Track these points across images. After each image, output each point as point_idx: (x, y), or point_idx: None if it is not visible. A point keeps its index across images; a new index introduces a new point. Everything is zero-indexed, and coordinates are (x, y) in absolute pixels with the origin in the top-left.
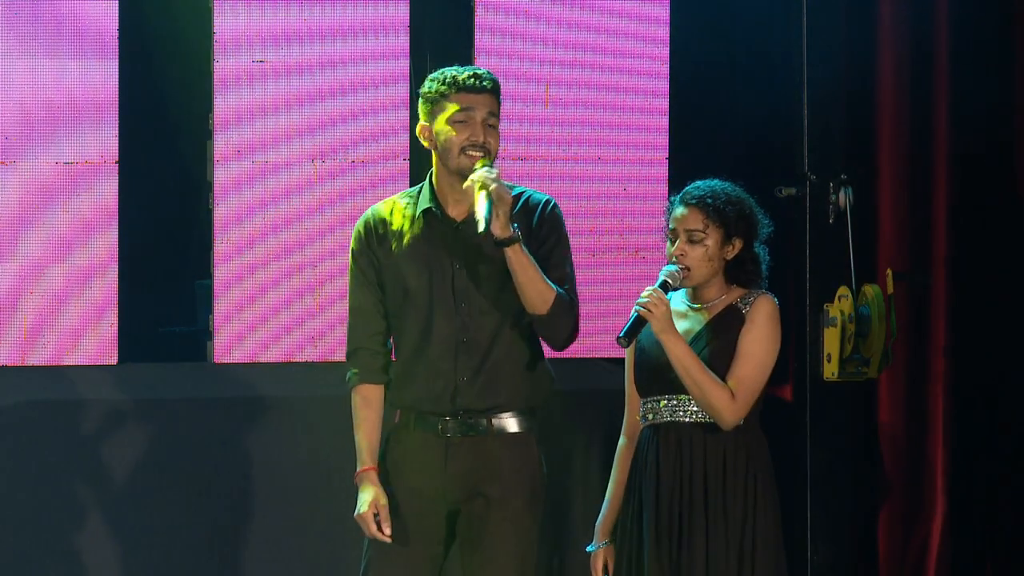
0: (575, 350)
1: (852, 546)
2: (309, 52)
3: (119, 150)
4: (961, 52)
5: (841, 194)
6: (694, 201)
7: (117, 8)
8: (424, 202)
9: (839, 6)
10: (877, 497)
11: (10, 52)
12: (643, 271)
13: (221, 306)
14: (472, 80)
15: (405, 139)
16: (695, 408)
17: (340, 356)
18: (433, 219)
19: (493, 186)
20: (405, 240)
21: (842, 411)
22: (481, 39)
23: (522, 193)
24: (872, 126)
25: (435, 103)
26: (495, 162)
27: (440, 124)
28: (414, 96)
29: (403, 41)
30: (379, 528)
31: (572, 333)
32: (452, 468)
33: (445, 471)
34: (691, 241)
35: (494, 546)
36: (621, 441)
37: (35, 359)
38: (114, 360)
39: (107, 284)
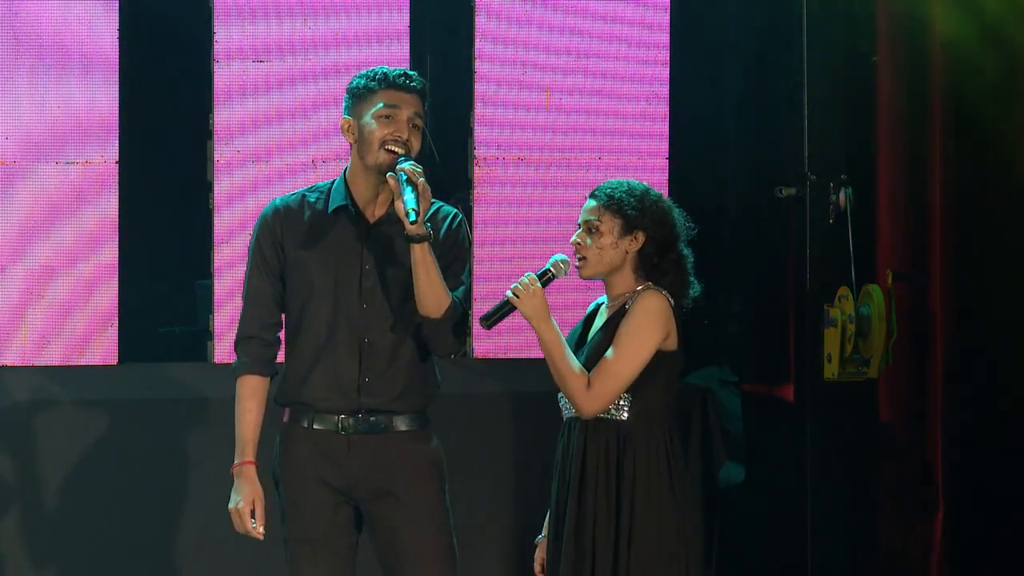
0: None
1: (852, 546)
2: (310, 58)
3: (119, 151)
4: (961, 50)
5: (841, 194)
6: (596, 192)
7: (118, 13)
8: (337, 199)
9: (839, 7)
10: (877, 497)
11: (13, 59)
12: None
13: (222, 308)
14: (402, 79)
15: None
16: None
17: None
18: (346, 217)
19: (421, 180)
20: (315, 236)
21: (842, 411)
22: (481, 45)
23: (432, 203)
24: (872, 126)
25: (362, 97)
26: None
27: (365, 118)
28: None
29: (403, 48)
30: (255, 526)
31: (459, 342)
32: (355, 466)
33: (350, 468)
34: (588, 231)
35: (419, 542)
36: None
37: (38, 360)
38: (114, 360)
39: (109, 285)
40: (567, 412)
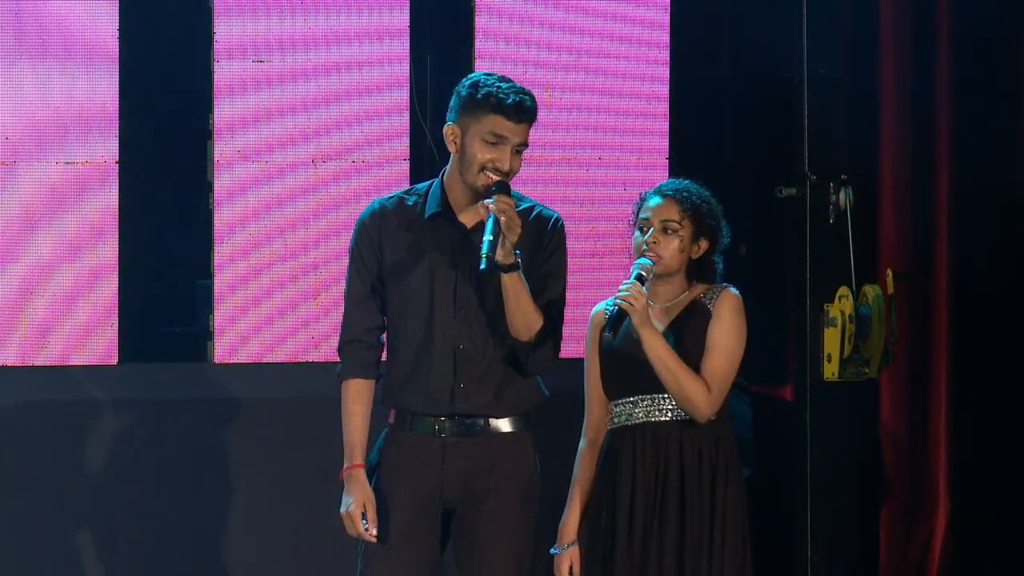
0: (574, 351)
1: (852, 546)
2: (310, 56)
3: (120, 151)
4: (962, 51)
5: (841, 194)
6: (671, 192)
7: (117, 11)
8: (433, 205)
9: (839, 6)
10: (877, 497)
11: (12, 55)
12: None
13: (222, 307)
14: (516, 110)
15: (406, 142)
16: (671, 405)
17: None
18: (442, 223)
19: (504, 217)
20: (412, 240)
21: (842, 411)
22: (481, 44)
23: (532, 207)
24: (872, 126)
25: (471, 112)
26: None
27: (469, 135)
28: (414, 100)
29: (404, 45)
30: (366, 528)
31: (550, 362)
32: (449, 468)
33: (443, 470)
34: (665, 231)
35: (491, 545)
36: (582, 444)
37: (36, 359)
38: (114, 360)
39: (108, 285)
40: (640, 417)
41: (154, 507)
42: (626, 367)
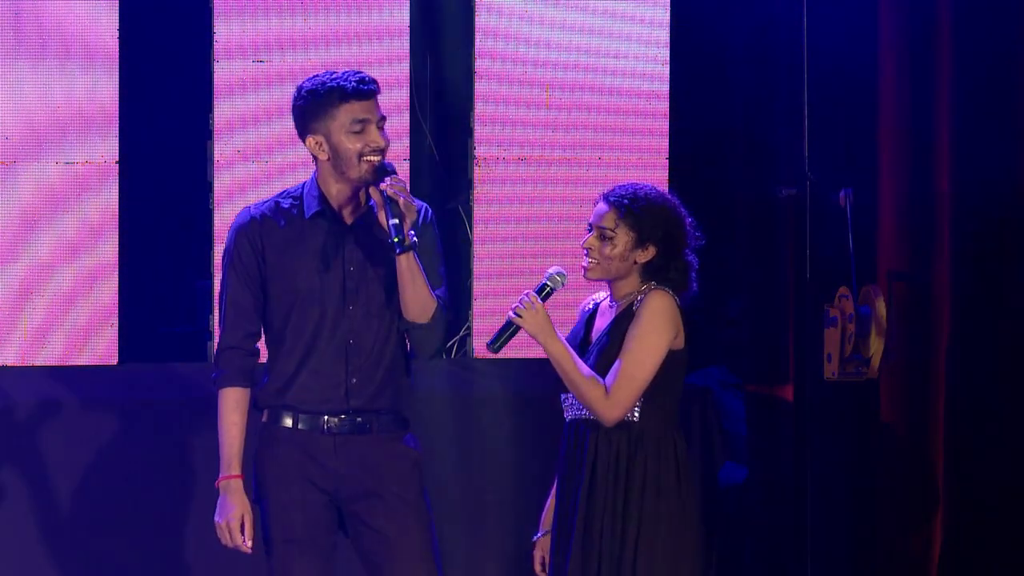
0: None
1: (852, 546)
2: (310, 56)
3: (120, 151)
4: (963, 51)
5: (841, 194)
6: (613, 199)
7: (118, 11)
8: (313, 204)
9: (839, 6)
10: (877, 497)
11: (12, 55)
12: None
13: None
14: (359, 87)
15: (406, 142)
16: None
17: None
18: (324, 221)
19: (402, 198)
20: (295, 242)
21: (842, 411)
22: (481, 43)
23: None
24: (872, 126)
25: (323, 114)
26: (388, 162)
27: (334, 135)
28: (414, 100)
29: (403, 45)
30: (243, 539)
31: (442, 343)
32: (341, 466)
33: (334, 469)
34: (601, 237)
35: (405, 541)
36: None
37: (36, 359)
38: (114, 360)
39: (108, 285)
40: (572, 413)
41: (154, 507)
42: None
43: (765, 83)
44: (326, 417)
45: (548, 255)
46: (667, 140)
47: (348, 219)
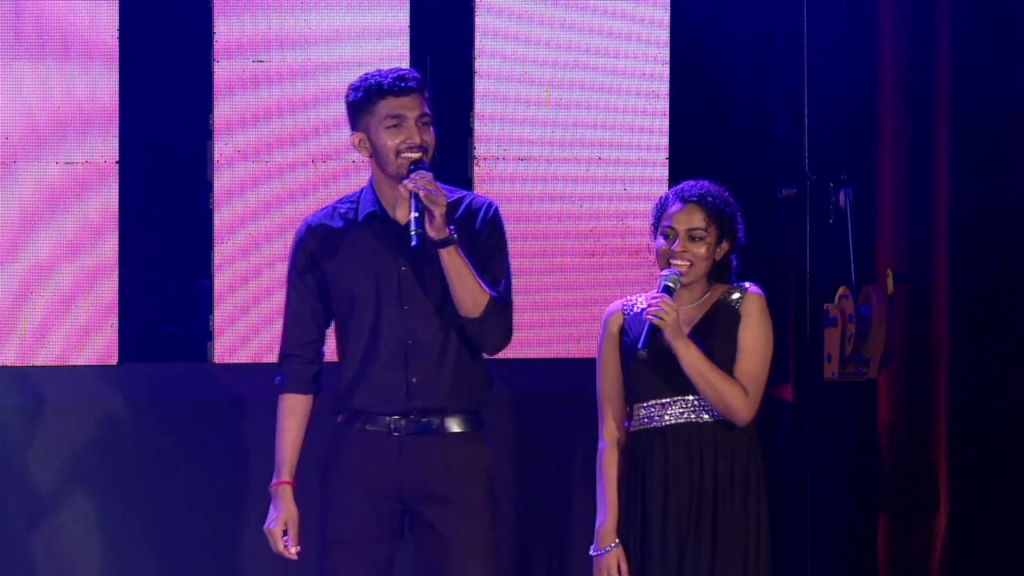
0: (575, 351)
1: (852, 546)
2: (310, 56)
3: (119, 151)
4: (962, 51)
5: (841, 194)
6: (695, 199)
7: (118, 10)
8: (367, 206)
9: (839, 6)
10: (877, 497)
11: (12, 55)
12: (643, 273)
13: (222, 307)
14: (398, 83)
15: None
16: (705, 407)
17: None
18: (377, 222)
19: (423, 192)
20: (350, 246)
21: (842, 411)
22: (481, 42)
23: (464, 197)
24: (872, 126)
25: (364, 111)
26: (431, 158)
27: (374, 132)
28: None
29: (403, 45)
30: (286, 546)
31: (504, 338)
32: (406, 467)
33: (400, 470)
34: (692, 239)
35: (462, 546)
36: (603, 446)
37: (36, 359)
38: (114, 360)
39: (108, 285)
40: (676, 418)
41: (154, 507)
42: (654, 369)
43: (765, 83)
44: (391, 418)
45: (548, 254)
46: (667, 140)
47: (401, 219)
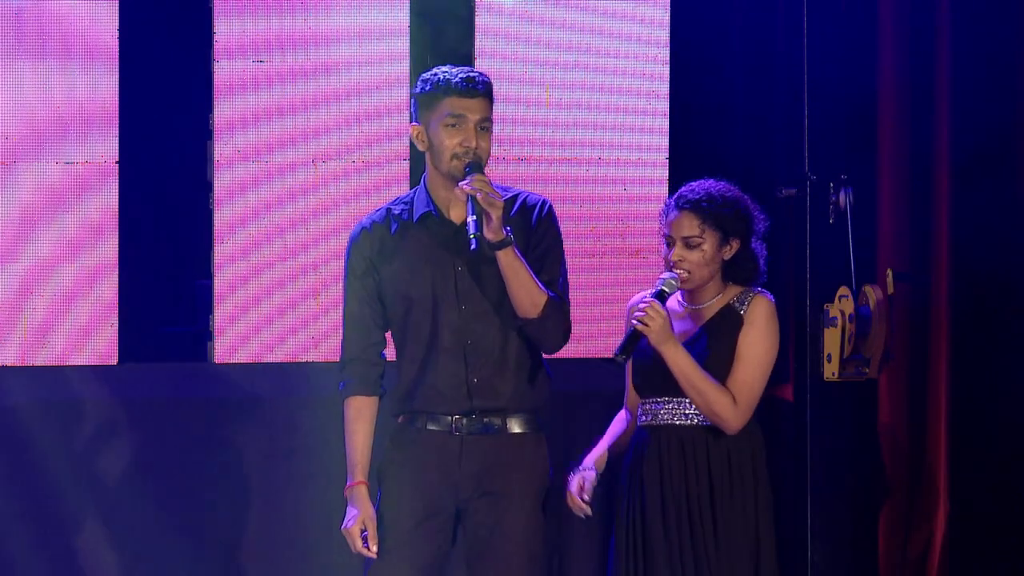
0: (575, 351)
1: (852, 546)
2: (310, 56)
3: (119, 151)
4: (962, 50)
5: (841, 194)
6: (688, 206)
7: (118, 10)
8: (421, 206)
9: (839, 6)
10: (877, 497)
11: (12, 55)
12: (643, 273)
13: (222, 307)
14: (466, 84)
15: (406, 142)
16: (694, 411)
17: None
18: (432, 223)
19: (480, 195)
20: (405, 247)
21: (842, 411)
22: (481, 42)
23: (518, 195)
24: (872, 126)
25: (427, 105)
26: (485, 166)
27: (432, 127)
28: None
29: (403, 44)
30: (366, 545)
31: (563, 337)
32: (466, 466)
33: (459, 469)
34: (688, 246)
35: (507, 544)
36: (622, 412)
37: (36, 359)
38: (114, 360)
39: (108, 285)
40: (665, 419)
41: (154, 507)
42: (652, 369)
43: (765, 83)
44: (452, 418)
45: None
46: (667, 140)
47: (456, 219)
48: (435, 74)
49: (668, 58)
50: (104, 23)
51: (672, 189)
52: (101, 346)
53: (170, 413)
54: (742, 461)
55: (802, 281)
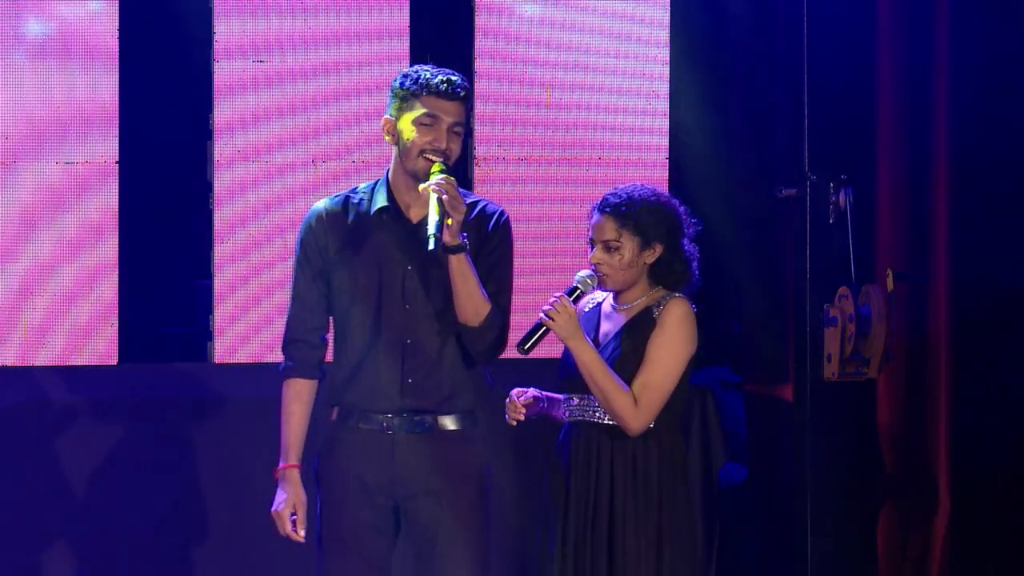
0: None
1: (852, 546)
2: (310, 56)
3: (119, 151)
4: (961, 51)
5: (841, 194)
6: (609, 209)
7: (118, 11)
8: (380, 200)
9: (839, 6)
10: (877, 497)
11: (12, 50)
12: None
13: (222, 307)
14: (445, 86)
15: None
16: (600, 409)
17: None
18: (389, 219)
19: (446, 196)
20: (359, 238)
21: (842, 411)
22: (481, 43)
23: (477, 202)
24: (872, 126)
25: (403, 100)
26: (450, 169)
27: (405, 123)
28: None
29: (403, 45)
30: (294, 529)
31: (497, 349)
32: (400, 465)
33: (393, 467)
34: (607, 249)
35: (451, 543)
36: None
37: (36, 359)
38: (114, 360)
39: (108, 285)
40: (580, 416)
41: (154, 507)
42: (566, 365)
43: (765, 83)
44: (384, 416)
45: (548, 255)
46: (667, 140)
47: (413, 218)
48: (417, 72)
49: (668, 58)
50: (104, 23)
51: (672, 189)
52: (101, 346)
53: (170, 413)
54: (647, 469)
55: (802, 281)
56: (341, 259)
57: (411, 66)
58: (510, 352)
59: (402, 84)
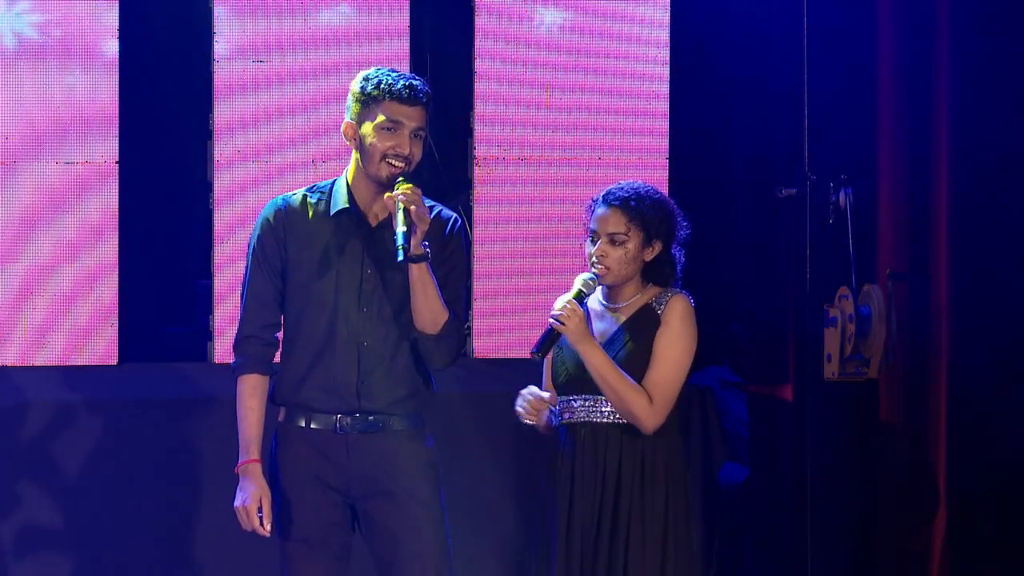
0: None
1: (852, 546)
2: (310, 56)
3: (119, 151)
4: (961, 50)
5: (841, 194)
6: (617, 203)
7: (118, 11)
8: (339, 202)
9: (839, 6)
10: (877, 497)
11: (12, 55)
12: None
13: (222, 307)
14: (407, 92)
15: None
16: (609, 408)
17: None
18: (348, 220)
19: (414, 207)
20: (317, 238)
21: (842, 411)
22: (481, 43)
23: (433, 207)
24: (872, 126)
25: (364, 104)
26: (416, 173)
27: (367, 127)
28: None
29: (403, 46)
30: (261, 523)
31: (453, 357)
32: (355, 465)
33: (349, 467)
34: (612, 243)
35: (415, 542)
36: None
37: (36, 359)
38: (114, 360)
39: (108, 285)
40: (582, 416)
41: (154, 507)
42: (569, 367)
43: (765, 83)
44: (337, 416)
45: (548, 255)
46: (667, 140)
47: (373, 221)
48: (378, 76)
49: (668, 58)
50: (104, 24)
51: (672, 190)
52: (101, 346)
53: (170, 413)
54: (655, 463)
55: (802, 281)
56: (299, 259)
57: (369, 71)
58: (494, 351)
59: (363, 88)
